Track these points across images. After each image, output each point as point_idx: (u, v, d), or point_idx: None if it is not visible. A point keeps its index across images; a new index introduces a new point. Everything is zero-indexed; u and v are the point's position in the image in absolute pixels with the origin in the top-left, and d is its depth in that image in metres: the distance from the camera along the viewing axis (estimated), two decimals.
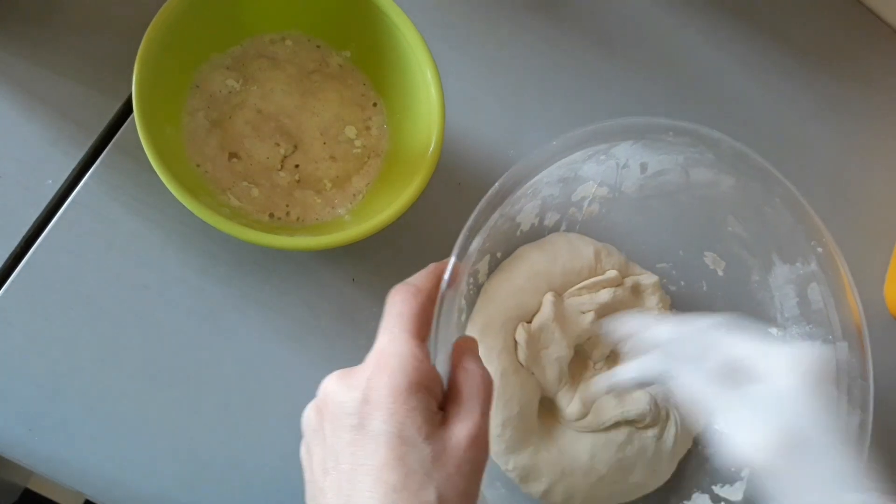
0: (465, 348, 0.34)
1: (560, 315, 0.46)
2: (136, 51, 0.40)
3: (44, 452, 0.43)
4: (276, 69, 0.47)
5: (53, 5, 0.47)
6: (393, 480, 0.28)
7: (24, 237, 0.45)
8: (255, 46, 0.47)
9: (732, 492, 0.46)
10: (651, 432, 0.47)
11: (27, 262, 0.44)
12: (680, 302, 0.52)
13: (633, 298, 0.49)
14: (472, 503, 0.30)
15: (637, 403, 0.46)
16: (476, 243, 0.35)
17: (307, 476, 0.32)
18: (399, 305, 0.33)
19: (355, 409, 0.30)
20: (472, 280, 0.47)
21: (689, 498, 0.47)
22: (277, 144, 0.46)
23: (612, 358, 0.49)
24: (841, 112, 0.62)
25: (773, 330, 0.47)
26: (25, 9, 0.47)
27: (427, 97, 0.43)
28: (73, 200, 0.46)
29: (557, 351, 0.46)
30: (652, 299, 0.49)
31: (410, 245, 0.50)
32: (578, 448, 0.46)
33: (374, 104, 0.48)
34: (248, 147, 0.45)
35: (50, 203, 0.46)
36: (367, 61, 0.48)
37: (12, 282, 0.44)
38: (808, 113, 0.61)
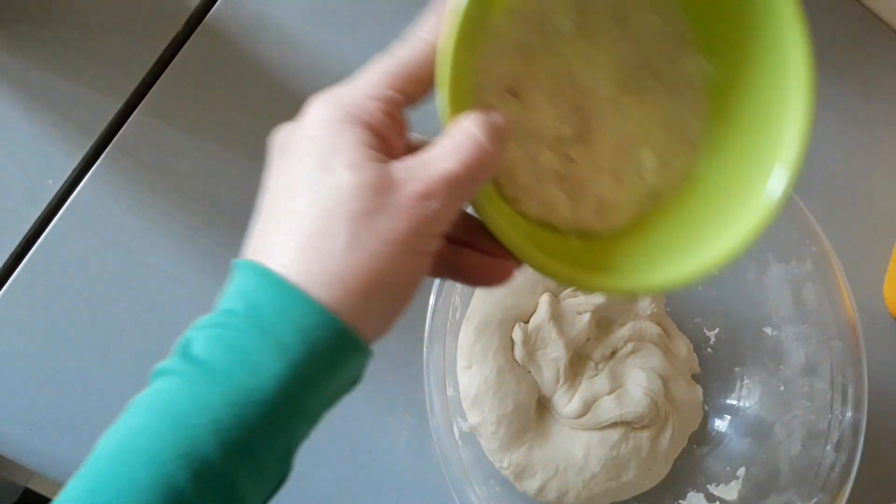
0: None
1: (557, 315, 0.46)
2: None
3: (44, 452, 0.43)
4: (617, 38, 0.34)
5: (54, 5, 0.47)
6: (303, 214, 0.24)
7: (24, 237, 0.45)
8: None
9: (728, 491, 0.46)
10: (647, 432, 0.47)
11: (28, 262, 0.45)
12: (674, 302, 0.52)
13: (627, 300, 0.49)
14: (413, 264, 0.24)
15: (637, 405, 0.46)
16: None
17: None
18: (402, 51, 0.27)
19: (285, 134, 0.27)
20: None
21: (683, 497, 0.47)
22: (563, 120, 0.34)
23: (614, 358, 0.49)
24: (840, 112, 0.62)
25: (768, 329, 0.48)
26: (26, 8, 0.47)
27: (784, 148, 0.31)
28: (73, 201, 0.46)
29: (555, 351, 0.46)
30: (645, 301, 0.49)
31: None
32: (573, 446, 0.46)
33: (691, 145, 0.35)
34: (533, 97, 0.33)
35: (50, 203, 0.46)
36: (726, 86, 0.34)
37: (13, 282, 0.44)
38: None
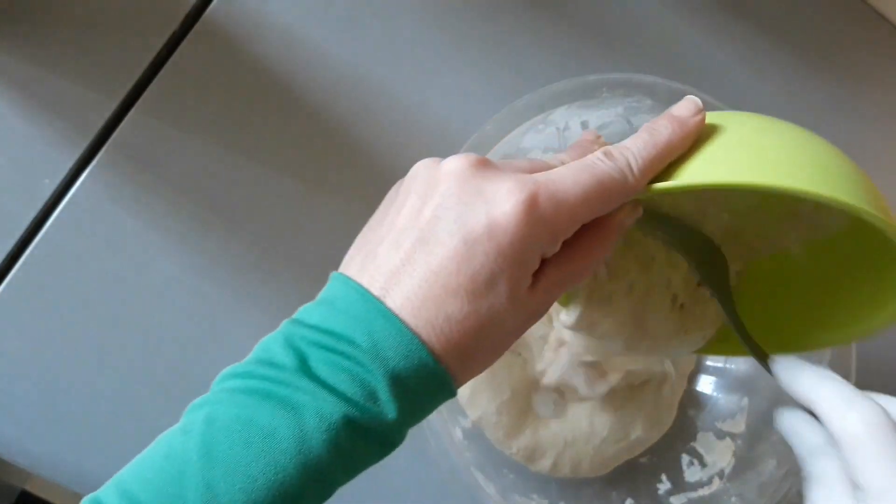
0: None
1: None
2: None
3: (41, 453, 0.43)
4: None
5: (50, 4, 0.47)
6: (435, 266, 0.26)
7: (21, 237, 0.45)
8: None
9: (735, 424, 0.46)
10: (646, 386, 0.47)
11: (24, 262, 0.44)
12: None
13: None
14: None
15: (634, 365, 0.46)
16: None
17: (372, 222, 0.31)
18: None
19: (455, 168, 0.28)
20: None
21: (694, 439, 0.47)
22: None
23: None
24: (841, 110, 0.61)
25: None
26: (21, 6, 0.47)
27: None
28: (70, 200, 0.45)
29: (539, 329, 0.46)
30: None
31: None
32: (577, 417, 0.46)
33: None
34: None
35: (47, 203, 0.45)
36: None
37: (9, 282, 0.44)
38: (807, 111, 0.61)
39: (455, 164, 0.27)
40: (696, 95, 0.38)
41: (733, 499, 0.43)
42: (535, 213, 0.26)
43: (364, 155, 0.50)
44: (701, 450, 0.47)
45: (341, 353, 0.25)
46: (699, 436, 0.47)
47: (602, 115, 0.45)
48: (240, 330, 0.46)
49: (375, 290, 0.26)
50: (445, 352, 0.26)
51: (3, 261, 0.44)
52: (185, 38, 0.49)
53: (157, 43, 0.48)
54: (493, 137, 0.42)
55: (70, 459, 0.43)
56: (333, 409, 0.24)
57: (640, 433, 0.47)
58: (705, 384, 0.49)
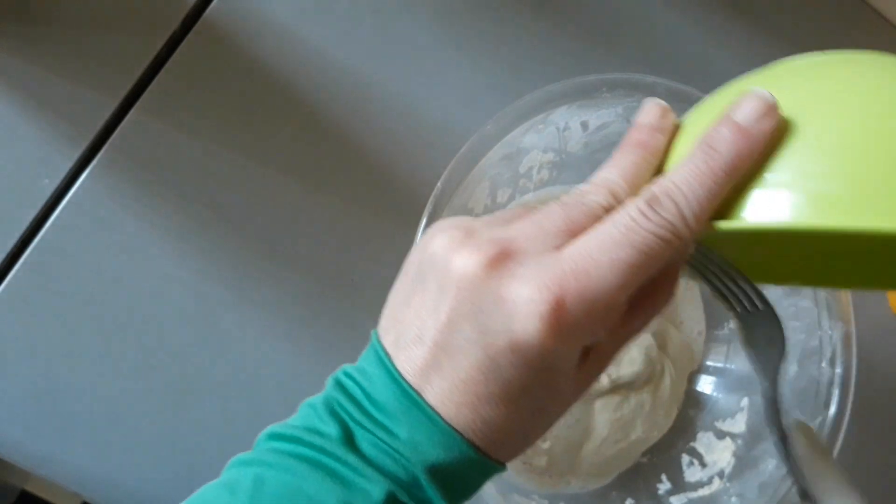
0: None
1: None
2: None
3: (40, 453, 0.43)
4: None
5: (50, 4, 0.47)
6: (474, 365, 0.24)
7: (20, 237, 0.45)
8: None
9: (735, 424, 0.46)
10: (646, 388, 0.47)
11: (24, 262, 0.44)
12: None
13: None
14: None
15: (632, 365, 0.46)
16: None
17: (398, 287, 0.28)
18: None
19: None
20: None
21: (694, 439, 0.47)
22: None
23: None
24: None
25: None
26: (21, 6, 0.47)
27: None
28: (69, 200, 0.45)
29: None
30: None
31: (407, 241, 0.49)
32: (576, 417, 0.46)
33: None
34: None
35: (47, 203, 0.45)
36: None
37: (9, 282, 0.44)
38: None
39: (467, 265, 0.24)
40: (696, 95, 0.36)
41: (733, 499, 0.43)
42: (564, 325, 0.23)
43: (364, 155, 0.50)
44: (701, 450, 0.47)
45: (382, 441, 0.24)
46: (699, 436, 0.47)
47: (602, 115, 0.45)
48: (240, 330, 0.46)
49: (411, 377, 0.25)
50: (489, 446, 0.25)
51: (3, 261, 0.44)
52: (185, 38, 0.49)
53: (158, 43, 0.48)
54: (493, 137, 0.42)
55: (70, 459, 0.43)
56: (379, 487, 0.24)
57: (641, 434, 0.47)
58: (705, 384, 0.49)
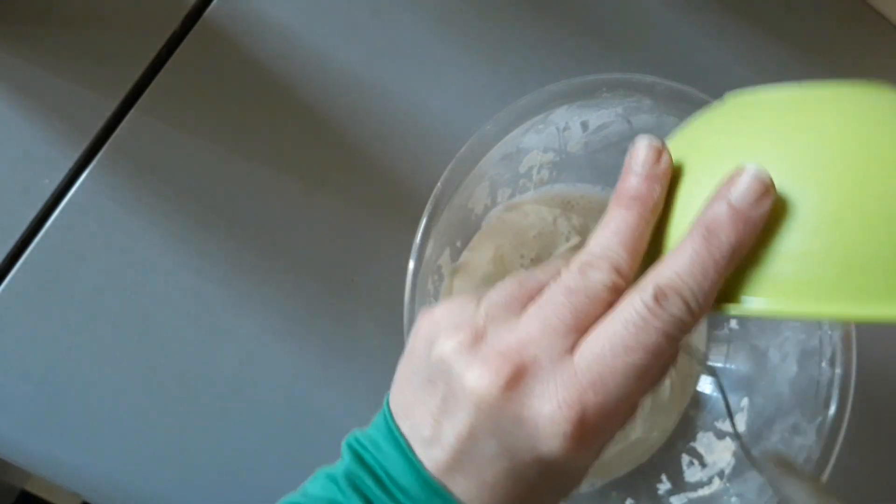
0: None
1: None
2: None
3: (41, 454, 0.43)
4: None
5: (50, 4, 0.47)
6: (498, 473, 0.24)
7: (20, 237, 0.45)
8: None
9: (735, 424, 0.46)
10: None
11: (24, 263, 0.44)
12: None
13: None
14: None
15: None
16: (432, 243, 0.35)
17: (403, 369, 0.27)
18: None
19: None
20: (436, 277, 0.47)
21: (694, 439, 0.47)
22: None
23: None
24: None
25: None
26: (21, 6, 0.47)
27: None
28: (69, 200, 0.45)
29: None
30: None
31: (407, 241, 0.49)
32: None
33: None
34: None
35: (47, 203, 0.45)
36: None
37: (9, 282, 0.44)
38: None
39: (482, 385, 0.23)
40: (696, 95, 0.36)
41: (733, 499, 0.43)
42: (588, 437, 0.23)
43: (364, 154, 0.50)
44: (701, 450, 0.47)
45: None
46: (699, 436, 0.47)
47: (602, 115, 0.45)
48: (240, 330, 0.46)
49: (434, 472, 0.25)
50: None
51: (3, 261, 0.44)
52: (185, 38, 0.49)
53: (158, 43, 0.48)
54: (493, 137, 0.42)
55: (70, 459, 0.43)
56: None
57: (640, 435, 0.47)
58: (705, 384, 0.49)
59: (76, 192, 0.45)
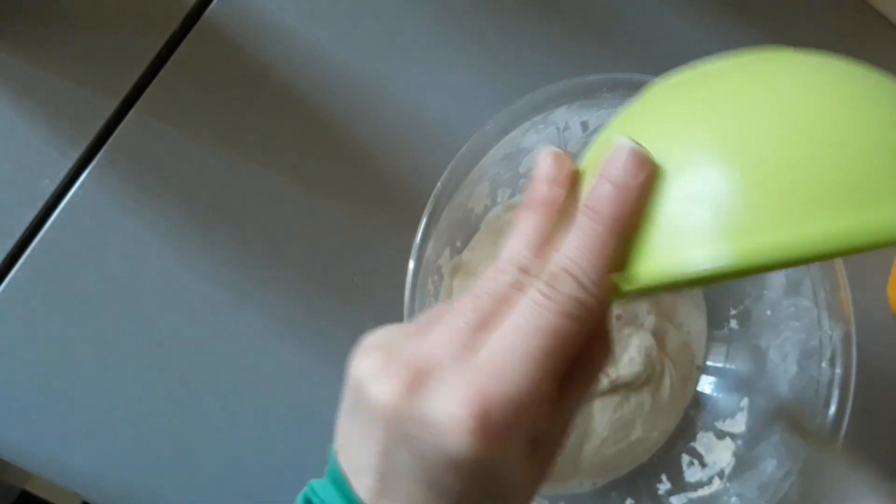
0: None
1: None
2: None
3: (41, 454, 0.43)
4: None
5: (50, 4, 0.47)
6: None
7: (20, 237, 0.45)
8: None
9: (735, 424, 0.46)
10: (646, 388, 0.47)
11: (24, 263, 0.44)
12: None
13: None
14: None
15: (632, 366, 0.46)
16: (432, 243, 0.35)
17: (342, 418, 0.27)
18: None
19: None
20: (436, 277, 0.47)
21: (694, 439, 0.47)
22: None
23: None
24: None
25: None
26: (21, 6, 0.47)
27: None
28: (69, 200, 0.45)
29: None
30: None
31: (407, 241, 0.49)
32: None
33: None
34: None
35: (47, 203, 0.45)
36: None
37: (8, 282, 0.44)
38: None
39: (386, 395, 0.23)
40: None
41: (733, 499, 0.43)
42: (495, 431, 0.22)
43: (364, 155, 0.50)
44: (701, 450, 0.47)
45: None
46: (699, 436, 0.47)
47: (602, 115, 0.45)
48: (240, 330, 0.46)
49: (365, 496, 0.24)
50: None
51: (3, 261, 0.44)
52: (185, 38, 0.49)
53: (158, 43, 0.48)
54: (493, 137, 0.42)
55: (70, 459, 0.43)
56: None
57: (641, 434, 0.47)
58: (705, 384, 0.49)
59: (76, 192, 0.45)
